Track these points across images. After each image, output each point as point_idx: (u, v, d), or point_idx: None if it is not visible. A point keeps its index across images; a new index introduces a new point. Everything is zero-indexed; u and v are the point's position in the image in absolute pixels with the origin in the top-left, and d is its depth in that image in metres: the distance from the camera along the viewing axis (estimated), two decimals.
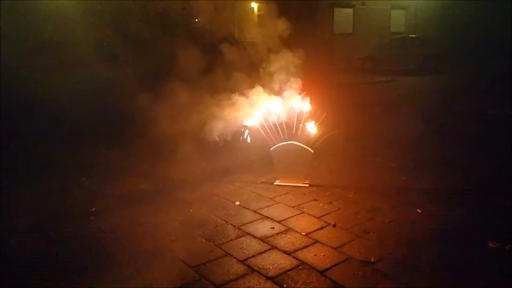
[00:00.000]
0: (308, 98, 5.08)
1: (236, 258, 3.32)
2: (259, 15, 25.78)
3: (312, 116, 5.08)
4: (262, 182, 5.06)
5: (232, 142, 5.25)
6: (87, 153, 6.27)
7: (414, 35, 20.91)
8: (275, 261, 3.26)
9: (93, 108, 9.02)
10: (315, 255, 3.34)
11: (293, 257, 3.32)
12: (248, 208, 4.31)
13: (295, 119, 5.00)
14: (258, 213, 4.18)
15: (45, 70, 14.51)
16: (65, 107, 8.57)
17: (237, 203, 4.45)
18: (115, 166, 5.64)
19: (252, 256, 3.34)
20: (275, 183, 4.97)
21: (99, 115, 8.38)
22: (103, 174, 5.35)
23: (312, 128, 4.98)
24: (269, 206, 4.37)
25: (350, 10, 23.22)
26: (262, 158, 5.47)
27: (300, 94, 5.10)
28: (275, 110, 5.03)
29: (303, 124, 5.00)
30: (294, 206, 4.33)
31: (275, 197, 4.60)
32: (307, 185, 4.88)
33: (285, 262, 3.25)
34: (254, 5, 25.95)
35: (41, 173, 5.41)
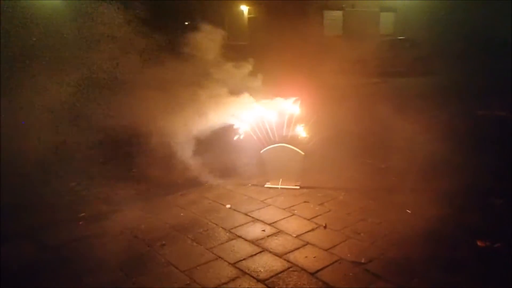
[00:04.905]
0: (299, 101, 5.09)
1: (227, 261, 3.31)
2: (249, 18, 25.86)
3: (303, 118, 5.09)
4: (253, 184, 5.06)
5: (223, 144, 5.26)
6: (77, 159, 6.21)
7: (403, 37, 21.06)
8: (266, 264, 3.26)
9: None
10: (306, 257, 3.35)
11: (284, 259, 3.33)
12: (239, 211, 4.31)
13: (285, 121, 5.01)
14: (249, 216, 4.18)
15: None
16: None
17: (228, 206, 4.45)
18: (105, 170, 5.60)
19: (243, 259, 3.34)
20: (266, 186, 4.97)
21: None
22: (93, 179, 5.31)
23: (302, 131, 5.01)
24: (260, 208, 4.37)
25: (340, 13, 23.41)
26: (253, 161, 5.46)
27: (292, 97, 5.11)
28: (266, 112, 5.04)
29: (294, 126, 5.02)
30: (285, 208, 4.33)
31: (266, 199, 4.60)
32: (298, 187, 4.89)
33: (276, 264, 3.25)
34: (244, 8, 26.01)
35: (32, 179, 5.35)
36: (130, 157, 5.98)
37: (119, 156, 6.11)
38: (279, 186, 4.90)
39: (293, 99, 5.03)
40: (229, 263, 3.29)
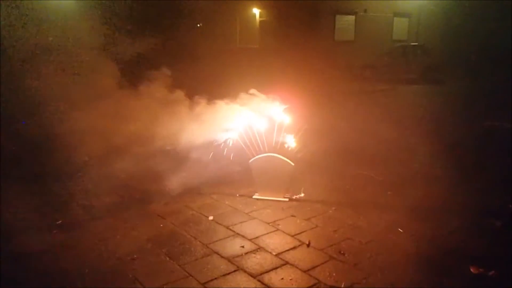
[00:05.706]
0: (291, 108, 4.87)
1: (197, 280, 3.10)
2: (260, 21, 25.70)
3: (297, 126, 4.87)
4: (241, 195, 4.85)
5: (213, 153, 5.05)
6: (68, 162, 6.06)
7: (416, 43, 20.63)
8: (237, 285, 3.04)
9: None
10: (282, 278, 3.12)
11: (258, 280, 3.10)
12: (221, 224, 4.10)
13: (275, 130, 4.78)
14: (230, 230, 3.96)
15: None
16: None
17: (211, 217, 4.24)
18: (92, 175, 5.43)
19: (215, 279, 3.13)
20: (254, 197, 4.76)
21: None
22: (79, 183, 5.15)
23: (293, 140, 4.78)
24: (244, 222, 4.15)
25: (352, 17, 23.01)
26: (244, 170, 5.24)
27: (283, 105, 4.89)
28: (257, 120, 4.83)
29: (285, 135, 4.79)
30: (270, 223, 4.11)
31: (251, 212, 4.38)
32: (287, 199, 4.66)
33: (249, 286, 3.03)
34: (256, 11, 25.86)
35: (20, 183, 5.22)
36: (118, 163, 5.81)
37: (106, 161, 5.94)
38: (267, 198, 4.68)
39: (283, 106, 4.80)
40: (199, 283, 3.08)
